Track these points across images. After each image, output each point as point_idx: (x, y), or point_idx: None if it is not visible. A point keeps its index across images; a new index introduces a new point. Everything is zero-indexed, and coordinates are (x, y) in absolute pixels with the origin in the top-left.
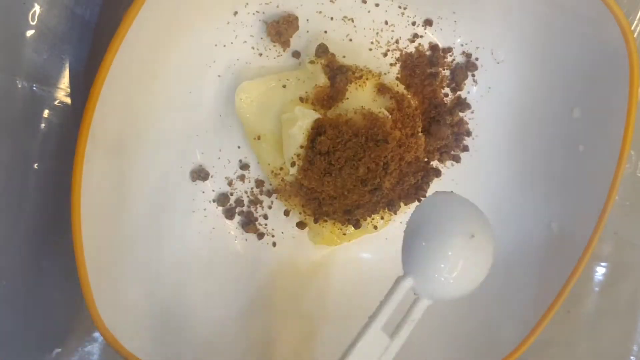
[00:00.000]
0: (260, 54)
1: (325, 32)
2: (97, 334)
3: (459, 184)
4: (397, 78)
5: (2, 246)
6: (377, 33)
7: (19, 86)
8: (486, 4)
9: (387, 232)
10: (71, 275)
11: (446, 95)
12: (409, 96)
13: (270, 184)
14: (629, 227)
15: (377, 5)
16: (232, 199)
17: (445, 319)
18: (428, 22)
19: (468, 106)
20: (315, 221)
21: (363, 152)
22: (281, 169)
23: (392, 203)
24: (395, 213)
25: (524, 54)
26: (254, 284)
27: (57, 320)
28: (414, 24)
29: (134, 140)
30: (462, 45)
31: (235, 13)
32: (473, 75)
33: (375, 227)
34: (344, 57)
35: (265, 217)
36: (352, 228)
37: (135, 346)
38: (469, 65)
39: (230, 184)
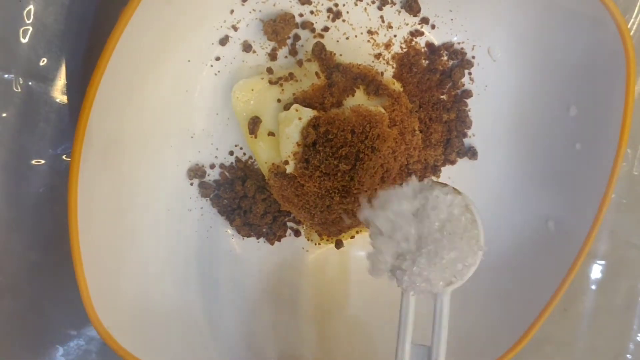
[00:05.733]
0: (257, 53)
1: (322, 30)
2: (94, 333)
3: (455, 182)
4: (393, 76)
5: (0, 244)
6: (374, 31)
7: (16, 83)
8: (483, 3)
9: None
10: (69, 274)
11: (443, 93)
12: (405, 94)
13: (267, 182)
14: (626, 225)
15: (373, 3)
16: (229, 198)
17: None
18: (425, 21)
19: (465, 104)
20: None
21: (360, 151)
22: (278, 167)
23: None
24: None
25: (521, 52)
26: (252, 282)
27: (55, 319)
28: (411, 22)
29: (131, 138)
30: (458, 43)
31: (232, 11)
32: (470, 74)
33: None
34: (340, 55)
35: (263, 215)
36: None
37: (132, 345)
38: (465, 64)
39: (227, 182)
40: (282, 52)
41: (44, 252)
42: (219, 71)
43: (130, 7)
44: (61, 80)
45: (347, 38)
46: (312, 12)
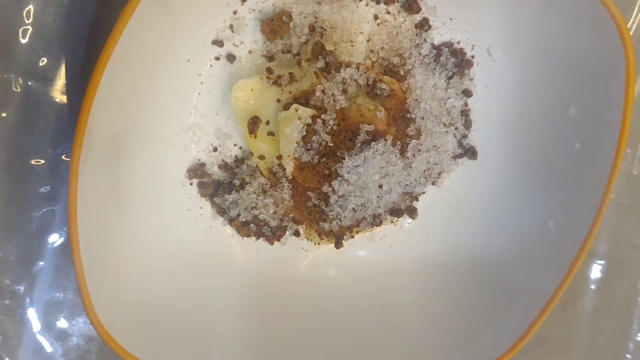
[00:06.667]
0: (257, 53)
1: (322, 30)
2: (94, 333)
3: (455, 182)
4: (392, 76)
5: (0, 244)
6: (373, 31)
7: (16, 83)
8: (483, 3)
9: (384, 231)
10: (68, 274)
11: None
12: (404, 94)
13: (267, 182)
14: (625, 225)
15: (374, 2)
16: (229, 197)
17: (441, 317)
18: (425, 21)
19: (465, 104)
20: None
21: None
22: (278, 166)
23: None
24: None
25: (520, 52)
26: (251, 282)
27: (56, 318)
28: (410, 22)
29: (130, 138)
30: (458, 43)
31: (232, 11)
32: (469, 74)
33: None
34: (340, 55)
35: (262, 214)
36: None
37: (132, 345)
38: (465, 64)
39: (226, 182)
40: (281, 51)
41: (44, 252)
42: (218, 71)
43: (130, 8)
44: (61, 80)
45: (346, 38)
46: (311, 12)
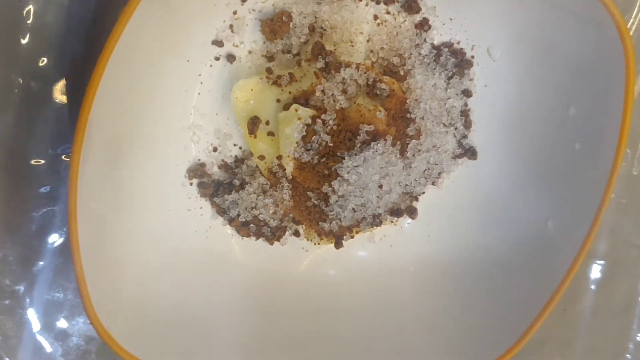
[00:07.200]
0: (256, 53)
1: (322, 30)
2: (94, 333)
3: (455, 182)
4: (392, 76)
5: (0, 244)
6: (373, 31)
7: (16, 83)
8: (482, 3)
9: (384, 231)
10: (68, 274)
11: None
12: (404, 94)
13: (267, 182)
14: (625, 225)
15: (373, 2)
16: (229, 197)
17: (441, 318)
18: (425, 21)
19: (465, 104)
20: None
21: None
22: (278, 167)
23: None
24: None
25: (520, 52)
26: (251, 282)
27: (54, 318)
28: (410, 22)
29: (130, 138)
30: (458, 43)
31: (232, 11)
32: (469, 74)
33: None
34: (340, 55)
35: (262, 214)
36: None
37: (132, 345)
38: (465, 64)
39: (226, 182)
40: (281, 51)
41: (44, 252)
42: (218, 71)
43: (130, 8)
44: (61, 80)
45: (346, 38)
46: (311, 12)
